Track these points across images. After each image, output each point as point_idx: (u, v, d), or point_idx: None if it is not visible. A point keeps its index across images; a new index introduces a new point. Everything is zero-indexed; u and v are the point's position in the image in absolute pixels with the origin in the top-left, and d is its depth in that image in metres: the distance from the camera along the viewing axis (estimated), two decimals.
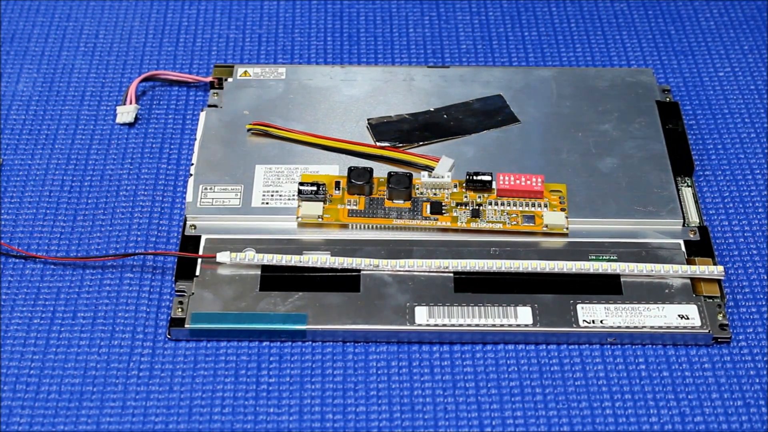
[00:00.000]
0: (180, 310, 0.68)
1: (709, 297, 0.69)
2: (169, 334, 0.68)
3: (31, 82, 0.84)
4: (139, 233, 0.74)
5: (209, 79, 0.83)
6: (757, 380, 0.66)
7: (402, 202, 0.73)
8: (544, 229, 0.72)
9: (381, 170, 0.75)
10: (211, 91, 0.82)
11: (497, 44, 0.88)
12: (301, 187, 0.73)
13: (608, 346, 0.68)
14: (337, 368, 0.67)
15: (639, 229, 0.72)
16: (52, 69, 0.85)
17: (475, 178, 0.74)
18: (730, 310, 0.70)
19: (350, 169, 0.74)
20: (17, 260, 0.72)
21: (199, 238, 0.72)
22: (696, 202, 0.75)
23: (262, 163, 0.76)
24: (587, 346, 0.68)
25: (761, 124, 0.82)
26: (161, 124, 0.81)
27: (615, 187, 0.74)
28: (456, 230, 0.72)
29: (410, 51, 0.88)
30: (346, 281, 0.70)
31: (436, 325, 0.67)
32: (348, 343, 0.68)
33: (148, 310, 0.70)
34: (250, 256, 0.70)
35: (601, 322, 0.68)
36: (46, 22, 0.89)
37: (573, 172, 0.75)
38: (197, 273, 0.70)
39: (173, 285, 0.70)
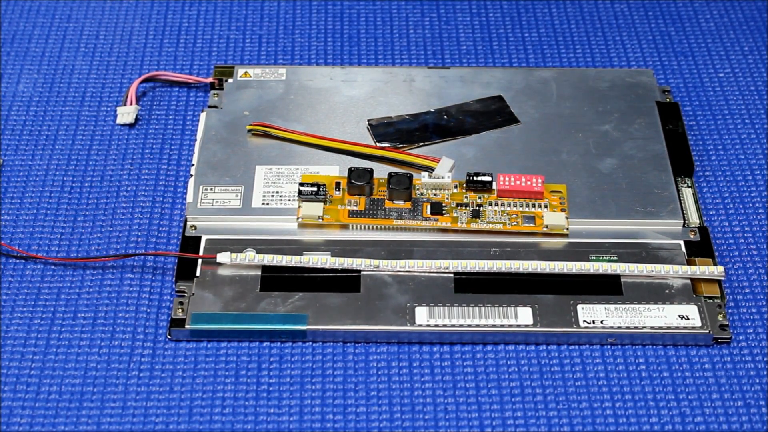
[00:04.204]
0: (180, 310, 0.68)
1: (710, 297, 0.69)
2: (169, 335, 0.68)
3: (31, 83, 0.84)
4: (139, 234, 0.74)
5: (209, 79, 0.83)
6: (757, 380, 0.66)
7: (402, 202, 0.73)
8: (545, 229, 0.72)
9: (381, 171, 0.75)
10: (212, 91, 0.82)
11: (497, 45, 0.88)
12: (302, 188, 0.73)
13: (608, 347, 0.68)
14: (338, 369, 0.67)
15: (639, 230, 0.73)
16: (53, 70, 0.86)
17: (475, 178, 0.74)
18: (730, 311, 0.70)
19: (350, 170, 0.74)
20: (17, 261, 0.72)
21: (199, 238, 0.72)
22: (696, 202, 0.75)
23: (263, 163, 0.76)
24: (587, 346, 0.68)
25: (761, 124, 0.82)
26: (161, 124, 0.81)
27: (615, 188, 0.74)
28: (456, 231, 0.72)
29: (410, 52, 0.88)
30: (347, 282, 0.70)
31: (436, 326, 0.68)
32: (348, 344, 0.68)
33: (148, 310, 0.70)
34: (251, 256, 0.70)
35: (602, 322, 0.68)
36: (47, 23, 0.89)
37: (573, 173, 0.75)
38: (197, 273, 0.70)
39: (173, 285, 0.70)
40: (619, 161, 0.76)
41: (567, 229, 0.72)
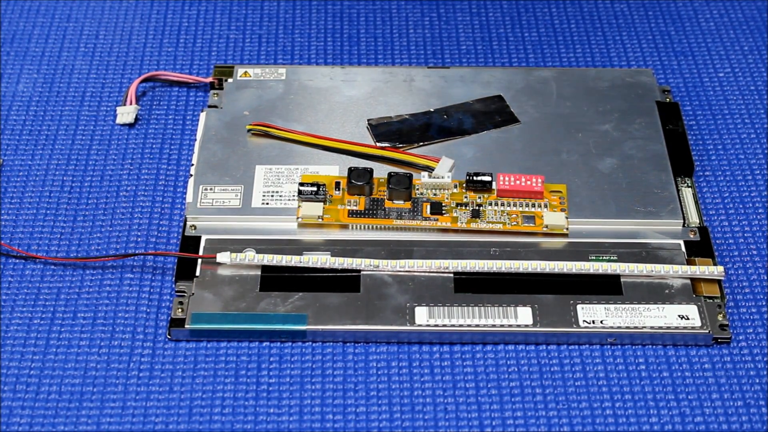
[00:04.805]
0: (180, 310, 0.68)
1: (709, 297, 0.69)
2: (169, 335, 0.68)
3: (31, 83, 0.84)
4: (139, 233, 0.74)
5: (209, 79, 0.83)
6: (757, 380, 0.66)
7: (402, 202, 0.73)
8: (545, 229, 0.72)
9: (381, 171, 0.75)
10: (212, 91, 0.82)
11: (497, 45, 0.88)
12: (302, 188, 0.73)
13: (608, 347, 0.68)
14: (337, 368, 0.67)
15: (639, 230, 0.73)
16: (53, 69, 0.86)
17: (475, 178, 0.74)
18: (730, 311, 0.70)
19: (350, 170, 0.74)
20: (17, 260, 0.72)
21: (199, 238, 0.72)
22: (696, 202, 0.75)
23: (263, 163, 0.76)
24: (587, 346, 0.68)
25: (761, 124, 0.82)
26: (161, 124, 0.81)
27: (615, 188, 0.74)
28: (456, 230, 0.72)
29: (410, 52, 0.88)
30: (347, 281, 0.70)
31: (436, 326, 0.68)
32: (348, 344, 0.68)
33: (148, 310, 0.70)
34: (250, 256, 0.70)
35: (602, 322, 0.68)
36: (47, 23, 0.89)
37: (573, 173, 0.75)
38: (197, 273, 0.70)
39: (173, 285, 0.70)
40: (619, 161, 0.76)
41: (567, 229, 0.72)
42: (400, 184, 0.73)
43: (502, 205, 0.73)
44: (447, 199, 0.73)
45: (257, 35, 0.89)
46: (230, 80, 0.82)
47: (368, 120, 0.79)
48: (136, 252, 0.72)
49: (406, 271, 0.70)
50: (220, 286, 0.69)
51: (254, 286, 0.69)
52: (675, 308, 0.68)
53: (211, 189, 0.74)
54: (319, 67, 0.85)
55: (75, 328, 0.69)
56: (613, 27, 0.90)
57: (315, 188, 0.73)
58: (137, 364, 0.67)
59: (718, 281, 0.70)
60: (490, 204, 0.73)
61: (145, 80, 0.84)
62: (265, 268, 0.70)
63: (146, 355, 0.67)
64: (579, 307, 0.68)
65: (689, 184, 0.76)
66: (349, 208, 0.73)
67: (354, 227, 0.73)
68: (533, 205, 0.73)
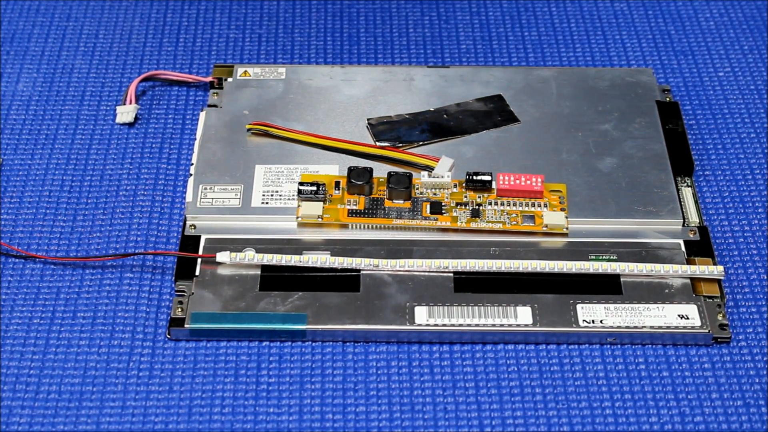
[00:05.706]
0: (180, 310, 0.68)
1: (709, 297, 0.69)
2: (168, 334, 0.68)
3: (31, 82, 0.84)
4: (138, 233, 0.74)
5: (209, 79, 0.83)
6: (757, 380, 0.66)
7: (402, 202, 0.73)
8: (544, 229, 0.72)
9: (381, 170, 0.75)
10: (211, 90, 0.82)
11: (497, 44, 0.88)
12: (301, 187, 0.73)
13: (608, 346, 0.68)
14: (337, 368, 0.67)
15: (639, 229, 0.72)
16: (52, 69, 0.86)
17: (474, 178, 0.74)
18: (730, 310, 0.70)
19: (350, 169, 0.74)
20: (17, 260, 0.72)
21: (198, 238, 0.72)
22: (696, 202, 0.75)
23: (262, 163, 0.76)
24: (587, 346, 0.68)
25: (761, 124, 0.82)
26: (161, 123, 0.81)
27: (615, 187, 0.74)
28: (456, 230, 0.72)
29: (410, 51, 0.88)
30: (346, 281, 0.70)
31: (435, 325, 0.67)
32: (348, 343, 0.68)
33: (147, 310, 0.70)
34: (250, 256, 0.70)
35: (601, 322, 0.68)
36: (46, 22, 0.89)
37: (573, 172, 0.75)
38: (197, 273, 0.70)
39: (173, 285, 0.70)
40: (619, 160, 0.76)
41: (566, 228, 0.72)
42: (400, 184, 0.73)
43: (502, 204, 0.73)
44: (447, 198, 0.73)
45: (257, 35, 0.89)
46: (230, 80, 0.82)
47: (368, 119, 0.79)
48: (136, 252, 0.72)
49: (406, 271, 0.70)
50: (220, 285, 0.69)
51: (254, 285, 0.69)
52: (675, 308, 0.68)
53: (210, 188, 0.74)
54: (318, 66, 0.85)
55: (75, 328, 0.69)
56: (613, 27, 0.90)
57: (315, 188, 0.73)
58: (137, 363, 0.67)
59: (718, 281, 0.70)
60: (490, 203, 0.73)
61: (144, 79, 0.84)
62: (264, 268, 0.70)
63: (146, 355, 0.67)
64: (579, 306, 0.68)
65: (689, 184, 0.76)
66: (348, 207, 0.73)
67: (354, 227, 0.73)
68: (533, 205, 0.73)
